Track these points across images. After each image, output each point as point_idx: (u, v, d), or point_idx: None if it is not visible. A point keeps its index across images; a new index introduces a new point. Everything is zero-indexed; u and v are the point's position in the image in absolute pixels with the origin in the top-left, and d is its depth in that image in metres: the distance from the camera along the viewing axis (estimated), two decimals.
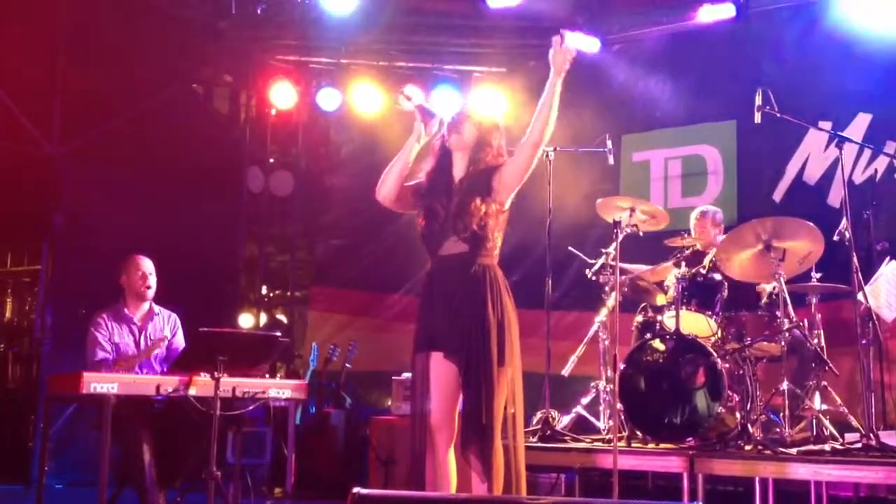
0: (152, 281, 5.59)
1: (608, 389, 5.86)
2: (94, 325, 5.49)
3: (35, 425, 7.38)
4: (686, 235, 6.01)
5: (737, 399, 5.40)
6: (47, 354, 7.49)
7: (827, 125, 6.40)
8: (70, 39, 7.56)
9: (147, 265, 5.61)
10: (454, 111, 4.10)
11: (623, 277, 5.98)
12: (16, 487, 7.09)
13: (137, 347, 5.50)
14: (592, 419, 6.04)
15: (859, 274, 5.18)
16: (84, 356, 5.49)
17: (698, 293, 5.74)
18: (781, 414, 5.17)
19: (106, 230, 7.73)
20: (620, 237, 5.37)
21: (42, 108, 7.60)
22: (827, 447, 4.95)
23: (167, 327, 5.65)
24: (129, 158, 7.72)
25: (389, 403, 7.29)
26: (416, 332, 3.96)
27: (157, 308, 5.65)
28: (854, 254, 5.16)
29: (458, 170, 4.03)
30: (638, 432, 5.43)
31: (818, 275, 5.68)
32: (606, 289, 6.07)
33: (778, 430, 5.22)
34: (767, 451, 4.88)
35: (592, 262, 6.15)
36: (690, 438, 5.23)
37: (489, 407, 3.73)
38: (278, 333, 6.21)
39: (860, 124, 6.82)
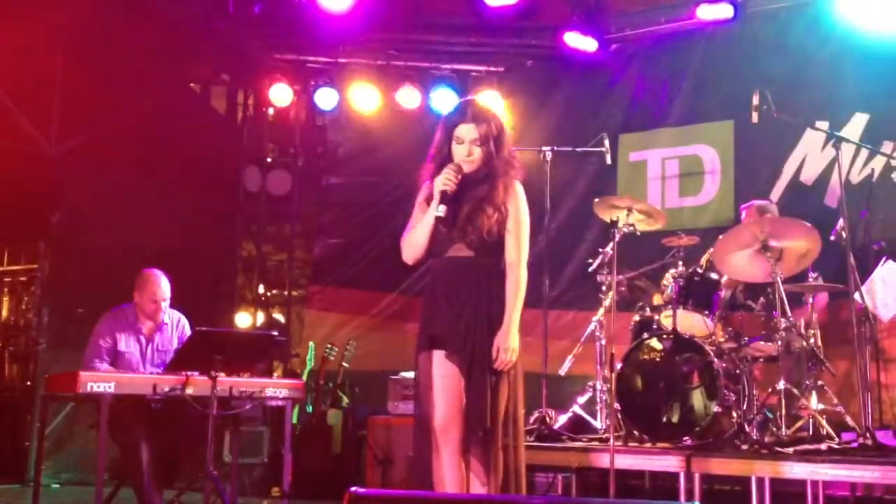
0: (164, 306, 5.53)
1: (605, 389, 5.87)
2: (97, 333, 5.44)
3: (32, 424, 7.37)
4: (683, 235, 6.02)
5: (733, 398, 5.41)
6: (44, 353, 7.49)
7: (824, 125, 6.40)
8: (68, 39, 7.55)
9: (161, 292, 5.49)
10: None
11: (620, 277, 5.99)
12: (12, 486, 7.08)
13: (143, 356, 5.49)
14: (589, 419, 6.04)
15: (856, 274, 5.18)
16: (82, 355, 5.49)
17: (695, 292, 5.75)
18: (778, 413, 5.18)
19: (103, 229, 7.73)
20: (618, 237, 5.38)
21: (40, 107, 7.60)
22: (823, 446, 4.95)
23: (175, 336, 5.61)
24: (127, 157, 7.72)
25: (387, 403, 7.31)
26: (419, 332, 3.94)
27: (167, 318, 5.61)
28: (851, 254, 5.16)
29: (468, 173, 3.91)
30: (635, 431, 5.44)
31: (815, 274, 5.69)
32: (603, 288, 6.07)
33: (774, 429, 5.22)
34: (764, 451, 4.89)
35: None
36: (687, 438, 5.23)
37: (491, 408, 3.73)
38: (275, 332, 6.21)
39: (857, 124, 6.82)
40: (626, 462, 5.10)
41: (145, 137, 7.78)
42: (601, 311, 6.09)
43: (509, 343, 3.73)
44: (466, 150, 3.82)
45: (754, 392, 5.51)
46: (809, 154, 7.06)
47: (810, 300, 5.78)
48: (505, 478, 3.75)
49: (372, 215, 8.61)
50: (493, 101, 8.11)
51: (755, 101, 5.45)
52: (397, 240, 3.99)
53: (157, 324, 5.55)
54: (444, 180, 3.76)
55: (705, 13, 7.33)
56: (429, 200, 3.89)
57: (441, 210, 3.74)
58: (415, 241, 3.87)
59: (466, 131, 3.82)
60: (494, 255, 3.85)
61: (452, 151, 3.85)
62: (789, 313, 5.32)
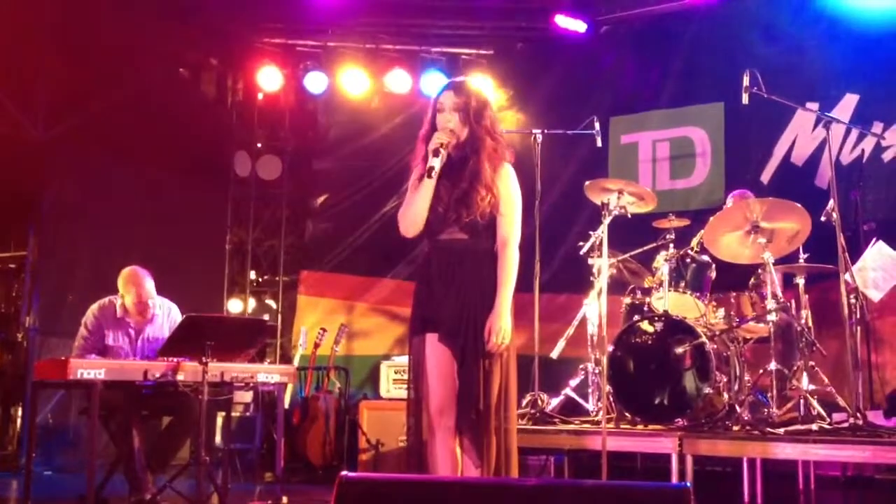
0: (151, 303, 5.48)
1: (597, 371, 5.87)
2: (84, 326, 5.41)
3: (23, 412, 7.35)
4: (674, 217, 6.02)
5: (725, 380, 5.42)
6: (34, 341, 7.45)
7: (814, 106, 6.38)
8: (55, 22, 7.48)
9: (146, 293, 5.45)
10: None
11: (612, 260, 5.99)
12: (4, 474, 7.06)
13: (133, 349, 5.46)
14: (581, 401, 6.05)
15: (846, 254, 5.19)
16: (72, 342, 5.47)
17: (687, 274, 5.76)
18: (769, 394, 5.20)
19: (92, 215, 7.69)
20: (608, 219, 5.38)
21: (27, 91, 7.54)
22: (814, 427, 4.96)
23: (166, 325, 5.56)
24: (116, 143, 7.66)
25: (379, 387, 7.31)
26: (412, 316, 3.93)
27: (157, 309, 5.57)
28: (841, 234, 5.17)
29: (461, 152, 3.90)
30: (627, 414, 5.45)
31: (805, 255, 5.70)
32: (595, 271, 6.07)
33: (765, 410, 5.24)
34: (755, 432, 4.90)
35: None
36: (679, 419, 5.24)
37: (484, 391, 3.72)
38: (266, 317, 6.20)
39: (848, 105, 6.83)
40: (618, 444, 5.11)
41: (134, 122, 7.71)
42: (593, 293, 6.08)
43: (501, 324, 3.72)
44: (446, 118, 3.85)
45: (746, 373, 5.52)
46: (800, 135, 7.07)
47: (801, 281, 5.79)
48: (497, 460, 3.76)
49: (362, 199, 8.59)
50: (482, 83, 8.08)
51: (746, 82, 5.44)
52: (388, 223, 3.98)
53: (147, 318, 5.52)
54: (438, 137, 3.78)
55: None
56: (422, 178, 3.88)
57: (436, 162, 3.73)
58: (414, 211, 3.83)
59: (446, 98, 3.87)
60: (488, 237, 3.84)
61: (437, 122, 3.88)
62: (780, 294, 5.33)
